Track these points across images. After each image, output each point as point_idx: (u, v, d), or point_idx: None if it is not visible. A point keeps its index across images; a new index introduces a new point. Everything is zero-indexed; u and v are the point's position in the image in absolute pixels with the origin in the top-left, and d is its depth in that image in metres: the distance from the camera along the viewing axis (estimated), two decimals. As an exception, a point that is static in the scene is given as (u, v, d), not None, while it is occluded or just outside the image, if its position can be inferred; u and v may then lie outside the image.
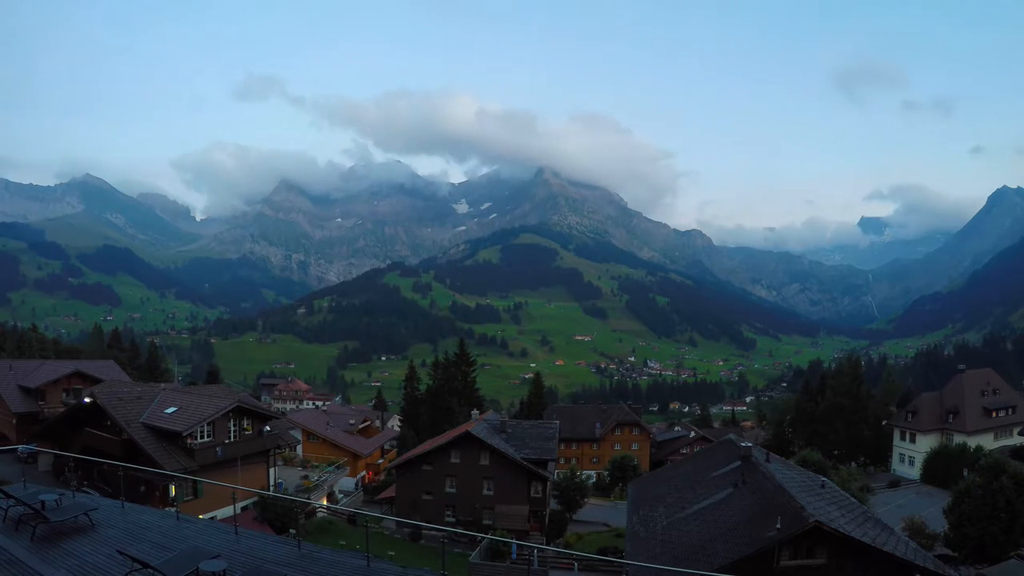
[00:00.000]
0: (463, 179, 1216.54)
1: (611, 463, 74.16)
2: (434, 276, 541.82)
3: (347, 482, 64.65)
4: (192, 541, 11.62)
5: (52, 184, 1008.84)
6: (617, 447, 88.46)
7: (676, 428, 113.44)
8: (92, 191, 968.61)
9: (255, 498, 38.42)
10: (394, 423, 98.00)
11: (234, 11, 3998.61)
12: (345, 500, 58.27)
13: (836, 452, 70.57)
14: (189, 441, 37.36)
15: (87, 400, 41.18)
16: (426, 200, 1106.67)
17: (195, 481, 36.17)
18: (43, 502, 11.98)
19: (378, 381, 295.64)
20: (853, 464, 68.09)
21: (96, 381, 45.90)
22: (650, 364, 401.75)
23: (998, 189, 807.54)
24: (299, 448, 68.82)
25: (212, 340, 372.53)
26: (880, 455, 74.02)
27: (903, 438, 69.00)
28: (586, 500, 56.44)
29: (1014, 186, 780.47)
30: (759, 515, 23.43)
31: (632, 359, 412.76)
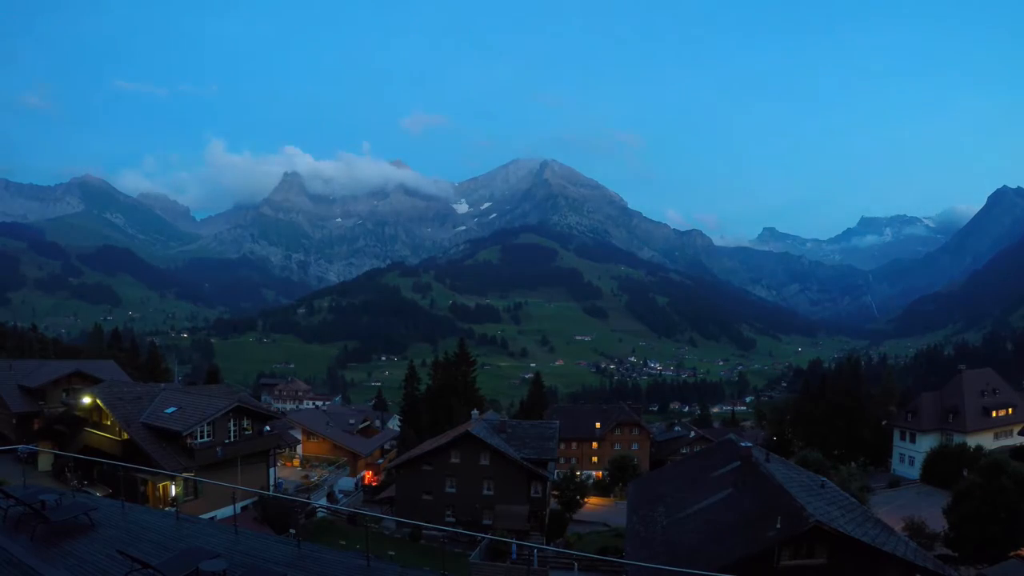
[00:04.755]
0: (463, 179, 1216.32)
1: (611, 463, 74.17)
2: (434, 276, 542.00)
3: (347, 482, 64.62)
4: (192, 541, 11.60)
5: (52, 184, 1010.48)
6: (617, 447, 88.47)
7: (676, 428, 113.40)
8: (92, 191, 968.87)
9: (255, 498, 38.43)
10: (394, 423, 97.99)
11: (242, 14, 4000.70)
12: (345, 500, 58.25)
13: (836, 452, 70.50)
14: (189, 441, 37.36)
15: (87, 400, 41.23)
16: (426, 200, 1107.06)
17: (195, 481, 36.19)
18: (43, 502, 11.97)
19: (378, 381, 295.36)
20: (853, 464, 67.96)
21: (96, 381, 45.89)
22: (650, 364, 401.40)
23: (998, 189, 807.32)
24: (299, 448, 68.84)
25: (212, 340, 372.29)
26: (880, 455, 73.94)
27: (903, 438, 68.93)
28: (586, 500, 56.44)
29: (1014, 186, 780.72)
30: (759, 515, 23.44)
31: (632, 359, 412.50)
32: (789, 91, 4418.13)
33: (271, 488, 44.87)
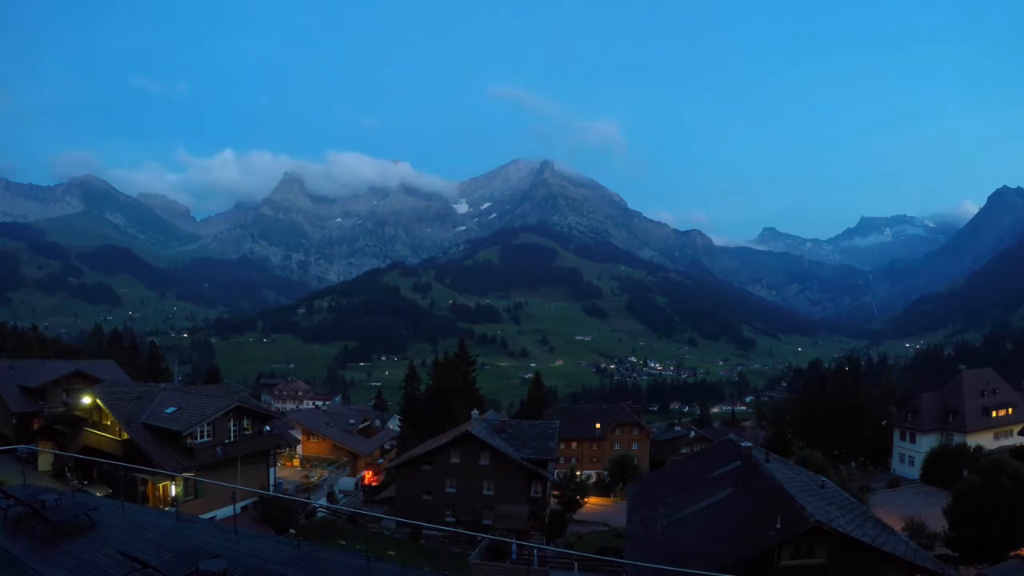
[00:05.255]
0: (463, 179, 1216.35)
1: (611, 463, 74.19)
2: (434, 276, 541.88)
3: (347, 482, 64.66)
4: (192, 541, 11.59)
5: (52, 184, 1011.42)
6: (617, 447, 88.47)
7: (676, 428, 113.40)
8: (92, 191, 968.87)
9: (255, 498, 38.41)
10: (394, 423, 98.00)
11: (244, 16, 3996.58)
12: (345, 500, 58.26)
13: (836, 452, 70.50)
14: (189, 441, 37.36)
15: (87, 400, 41.23)
16: (426, 200, 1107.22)
17: (195, 481, 36.19)
18: (43, 502, 11.97)
19: (378, 381, 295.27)
20: (853, 464, 68.05)
21: (96, 381, 45.88)
22: (650, 364, 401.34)
23: (998, 189, 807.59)
24: (299, 448, 68.84)
25: (212, 340, 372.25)
26: (880, 455, 73.96)
27: (903, 438, 68.94)
28: (586, 500, 56.46)
29: (1014, 186, 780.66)
30: (759, 515, 23.44)
31: (632, 359, 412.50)
32: (789, 91, 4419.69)
33: (271, 488, 44.87)
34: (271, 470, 46.13)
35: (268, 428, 44.51)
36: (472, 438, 45.88)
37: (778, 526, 21.36)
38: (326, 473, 62.41)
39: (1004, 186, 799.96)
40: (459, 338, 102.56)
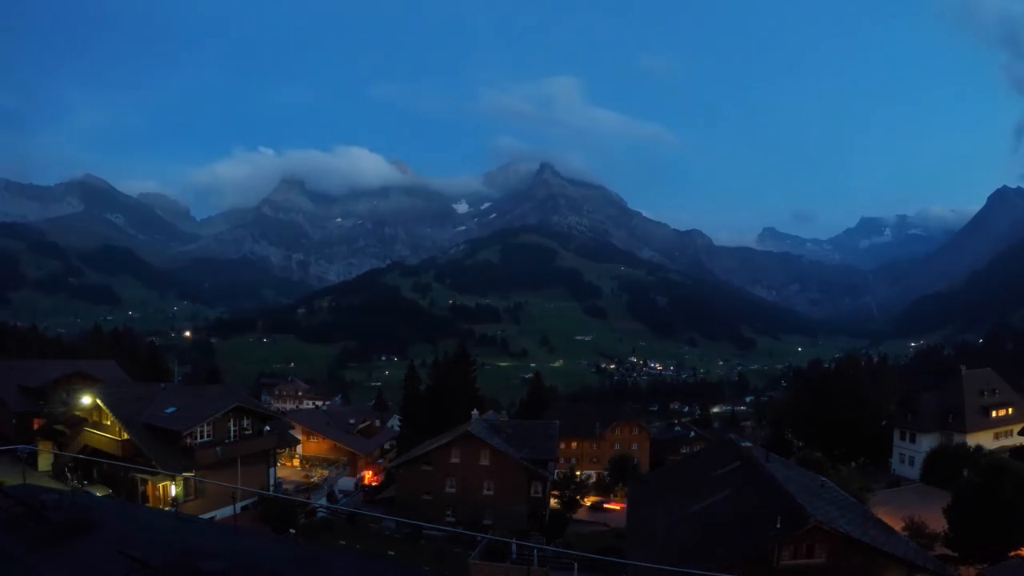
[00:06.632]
0: (463, 179, 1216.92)
1: (611, 462, 74.26)
2: (434, 276, 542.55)
3: (347, 482, 64.67)
4: (192, 541, 11.58)
5: (52, 184, 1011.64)
6: (617, 447, 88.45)
7: (676, 428, 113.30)
8: (92, 191, 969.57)
9: (255, 498, 38.44)
10: (394, 423, 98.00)
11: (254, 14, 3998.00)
12: (345, 500, 58.27)
13: (836, 452, 70.40)
14: (189, 441, 37.38)
15: (87, 400, 41.24)
16: (426, 200, 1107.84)
17: (196, 481, 36.21)
18: (43, 502, 11.95)
19: (378, 381, 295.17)
20: (853, 464, 67.97)
21: (96, 381, 45.86)
22: (650, 364, 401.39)
23: (998, 189, 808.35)
24: (299, 448, 68.87)
25: (212, 340, 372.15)
26: (880, 455, 73.89)
27: (903, 438, 68.94)
28: (586, 500, 56.48)
29: (1014, 186, 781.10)
30: (759, 515, 23.44)
31: (632, 359, 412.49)
32: (790, 91, 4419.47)
33: (271, 488, 44.88)
34: (271, 470, 46.17)
35: (268, 428, 44.54)
36: (472, 438, 45.91)
37: (778, 526, 21.36)
38: (326, 473, 62.43)
39: (1004, 186, 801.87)
40: (459, 338, 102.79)
